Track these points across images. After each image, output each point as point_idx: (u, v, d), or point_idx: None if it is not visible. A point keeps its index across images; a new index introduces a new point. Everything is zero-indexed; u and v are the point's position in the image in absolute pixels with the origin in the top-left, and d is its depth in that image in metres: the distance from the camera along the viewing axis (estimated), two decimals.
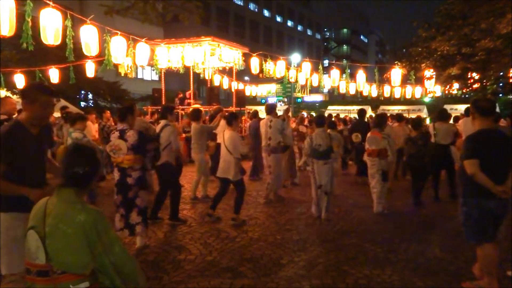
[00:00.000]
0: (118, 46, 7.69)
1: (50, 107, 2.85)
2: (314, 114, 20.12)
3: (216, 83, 15.76)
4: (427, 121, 19.00)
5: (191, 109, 12.31)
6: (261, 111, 15.28)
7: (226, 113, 7.37)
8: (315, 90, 25.77)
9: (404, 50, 16.26)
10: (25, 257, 2.08)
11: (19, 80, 12.26)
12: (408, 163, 7.46)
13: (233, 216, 6.16)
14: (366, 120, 10.33)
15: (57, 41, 5.88)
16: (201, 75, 14.51)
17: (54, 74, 11.73)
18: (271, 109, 7.79)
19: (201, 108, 8.05)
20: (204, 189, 7.79)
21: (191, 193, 7.78)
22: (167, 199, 6.24)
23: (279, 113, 9.24)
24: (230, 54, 12.99)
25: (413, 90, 16.43)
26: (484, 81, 14.10)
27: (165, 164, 5.97)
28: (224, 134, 6.20)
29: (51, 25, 5.75)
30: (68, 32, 6.23)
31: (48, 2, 5.70)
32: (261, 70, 12.67)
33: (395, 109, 23.93)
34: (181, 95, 14.50)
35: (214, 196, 6.49)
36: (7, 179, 2.64)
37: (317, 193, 6.37)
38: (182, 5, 6.62)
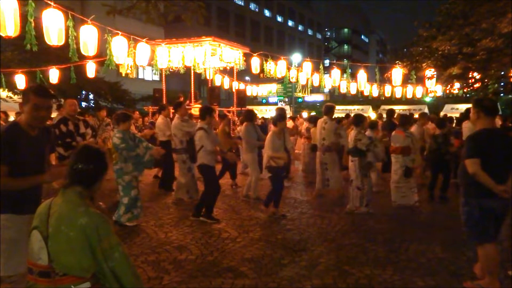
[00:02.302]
0: (119, 46, 7.70)
1: (44, 109, 2.76)
2: (314, 113, 20.08)
3: (217, 83, 15.75)
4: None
5: (193, 109, 12.36)
6: (261, 111, 15.27)
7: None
8: (316, 90, 25.73)
9: (405, 49, 16.22)
10: (27, 256, 2.09)
11: (20, 80, 12.28)
12: (429, 159, 7.90)
13: (273, 210, 6.47)
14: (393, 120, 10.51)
15: (61, 42, 5.90)
16: (202, 75, 14.51)
17: (54, 75, 11.74)
18: (328, 111, 7.96)
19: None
20: (255, 190, 7.74)
21: (244, 191, 7.82)
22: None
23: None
24: (231, 54, 12.98)
25: (414, 89, 16.40)
26: (485, 80, 14.06)
27: (200, 165, 6.25)
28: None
29: (54, 26, 5.76)
30: (70, 33, 6.24)
31: (49, 2, 5.70)
32: (262, 70, 12.65)
33: (396, 108, 23.91)
34: (182, 98, 14.54)
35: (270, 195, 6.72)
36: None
37: (352, 188, 6.79)
38: (184, 5, 6.62)
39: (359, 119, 6.94)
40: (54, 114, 9.15)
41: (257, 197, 7.57)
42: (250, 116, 7.88)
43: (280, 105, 32.88)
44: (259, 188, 7.79)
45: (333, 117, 8.23)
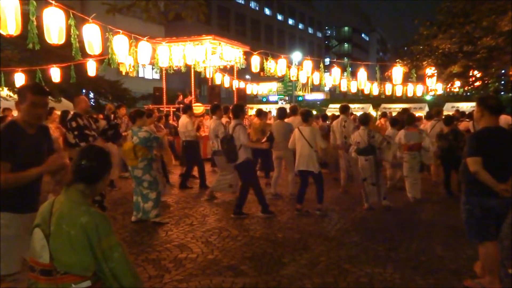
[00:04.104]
0: (120, 45, 7.70)
1: (41, 107, 2.78)
2: (315, 112, 20.05)
3: (217, 81, 15.76)
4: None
5: (195, 108, 12.36)
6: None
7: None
8: (316, 88, 25.75)
9: (405, 48, 16.21)
10: (30, 254, 2.10)
11: (19, 79, 12.28)
12: (441, 157, 8.02)
13: (318, 207, 6.55)
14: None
15: (61, 40, 5.90)
16: (202, 74, 14.54)
17: (55, 73, 11.73)
18: (345, 109, 8.45)
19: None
20: (275, 186, 7.94)
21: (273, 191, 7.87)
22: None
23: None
24: (231, 53, 13.00)
25: (414, 88, 16.41)
26: (486, 79, 14.05)
27: (245, 161, 6.31)
28: (300, 130, 6.65)
29: (54, 24, 5.76)
30: (72, 31, 6.24)
31: (50, 1, 5.71)
32: (262, 69, 12.66)
33: (396, 107, 23.90)
34: (181, 97, 14.61)
35: (298, 191, 6.77)
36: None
37: (364, 186, 6.90)
38: (184, 3, 6.62)
39: (366, 118, 7.17)
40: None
41: (277, 194, 7.82)
42: (283, 114, 7.98)
43: (280, 103, 32.94)
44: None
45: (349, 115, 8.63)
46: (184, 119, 8.54)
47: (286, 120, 8.02)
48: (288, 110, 8.52)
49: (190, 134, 8.37)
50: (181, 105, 14.06)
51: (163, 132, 8.49)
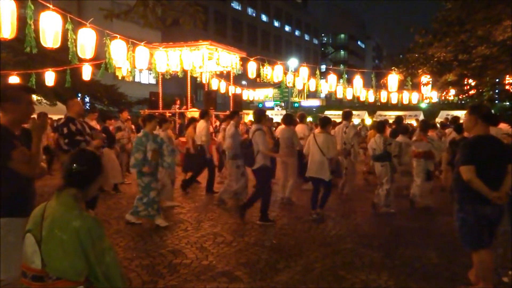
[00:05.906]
0: (117, 49, 7.70)
1: (33, 105, 2.93)
2: (311, 118, 20.13)
3: (214, 87, 15.79)
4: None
5: (189, 114, 12.37)
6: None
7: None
8: (312, 95, 25.82)
9: (401, 56, 16.32)
10: (22, 259, 2.08)
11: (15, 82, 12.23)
12: (452, 164, 7.91)
13: (317, 211, 6.55)
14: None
15: (56, 44, 5.89)
16: (198, 79, 14.55)
17: (50, 77, 11.70)
18: (347, 116, 8.53)
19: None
20: (284, 190, 7.95)
21: (282, 195, 7.91)
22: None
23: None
24: (228, 58, 13.03)
25: (410, 95, 16.50)
26: (480, 87, 14.14)
27: (261, 167, 6.29)
28: (315, 136, 6.66)
29: (50, 28, 5.76)
30: (69, 36, 6.24)
31: (47, 5, 5.71)
32: (259, 75, 12.69)
33: (392, 114, 24.04)
34: (178, 102, 14.66)
35: (311, 198, 6.71)
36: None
37: (377, 188, 7.10)
38: (182, 9, 6.65)
39: (383, 126, 7.45)
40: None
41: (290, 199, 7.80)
42: (289, 121, 7.95)
43: (276, 109, 32.97)
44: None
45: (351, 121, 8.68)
46: (201, 123, 8.57)
47: (296, 126, 8.06)
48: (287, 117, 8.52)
49: (204, 139, 8.40)
50: (177, 111, 14.12)
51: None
